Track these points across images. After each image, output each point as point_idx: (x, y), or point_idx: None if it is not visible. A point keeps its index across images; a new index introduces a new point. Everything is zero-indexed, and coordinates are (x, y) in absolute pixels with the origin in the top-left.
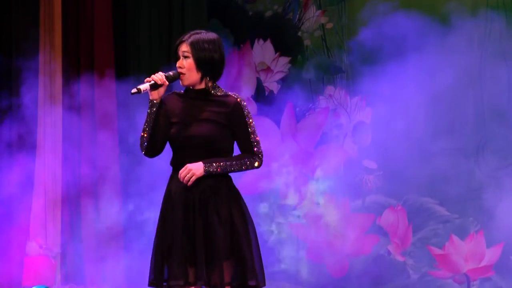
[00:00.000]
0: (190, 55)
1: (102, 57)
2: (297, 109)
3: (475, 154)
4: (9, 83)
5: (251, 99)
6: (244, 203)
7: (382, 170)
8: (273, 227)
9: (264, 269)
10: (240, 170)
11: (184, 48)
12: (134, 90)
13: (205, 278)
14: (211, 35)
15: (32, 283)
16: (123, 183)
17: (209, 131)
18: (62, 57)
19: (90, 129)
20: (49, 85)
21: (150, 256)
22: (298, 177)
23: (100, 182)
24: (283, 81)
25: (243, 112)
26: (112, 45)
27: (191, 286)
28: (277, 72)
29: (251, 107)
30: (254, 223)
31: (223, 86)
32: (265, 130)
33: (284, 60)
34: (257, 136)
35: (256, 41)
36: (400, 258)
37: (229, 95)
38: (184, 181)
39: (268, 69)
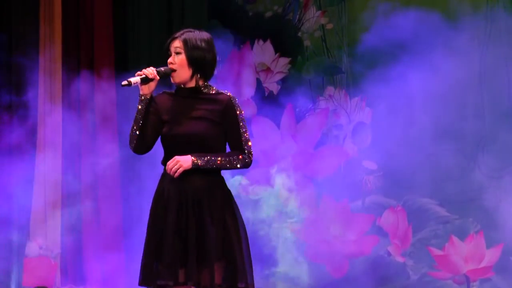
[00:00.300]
0: (182, 51)
1: (102, 57)
2: (297, 109)
3: (475, 155)
4: (9, 82)
5: (250, 99)
6: (236, 205)
7: (382, 170)
8: (273, 228)
9: (264, 270)
10: (229, 167)
11: (177, 44)
12: (124, 82)
13: (196, 279)
14: (204, 34)
15: (32, 284)
16: (123, 183)
17: (201, 129)
18: (62, 56)
19: (90, 129)
20: (49, 84)
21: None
22: (298, 178)
23: (100, 182)
24: (283, 81)
25: (235, 110)
26: (112, 46)
27: (181, 286)
28: (277, 72)
29: (251, 108)
30: (254, 224)
31: (223, 87)
32: (265, 131)
33: (284, 60)
34: (248, 135)
35: (256, 41)
36: (400, 259)
37: (221, 93)
38: (171, 173)
39: (268, 70)
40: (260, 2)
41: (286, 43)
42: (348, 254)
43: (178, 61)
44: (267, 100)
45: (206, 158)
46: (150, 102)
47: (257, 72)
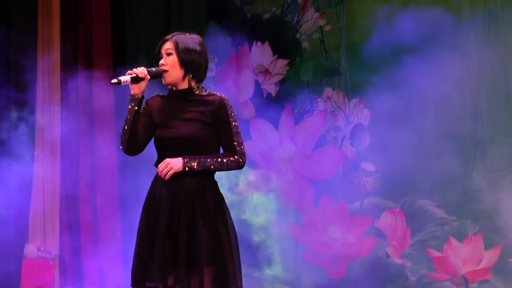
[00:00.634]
0: (173, 52)
1: (101, 59)
2: (295, 111)
3: (473, 156)
4: (7, 81)
5: (249, 101)
6: (227, 209)
7: (380, 172)
8: (272, 230)
9: (262, 271)
10: (221, 169)
11: (168, 46)
12: (114, 81)
13: (185, 283)
14: (195, 36)
15: (30, 285)
16: (121, 183)
17: (193, 131)
18: (60, 55)
19: (88, 129)
20: (47, 84)
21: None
22: (296, 179)
23: (99, 183)
24: (281, 83)
25: (227, 111)
26: (110, 47)
27: None
28: (275, 74)
29: (249, 110)
30: (252, 226)
31: (221, 88)
32: (263, 133)
33: (282, 62)
34: (240, 137)
35: (254, 43)
36: (398, 261)
37: (213, 94)
38: (162, 175)
39: (266, 72)
40: (258, 3)
41: (285, 44)
42: (347, 255)
43: (169, 62)
44: (266, 101)
45: (197, 160)
46: (140, 102)
47: (256, 74)
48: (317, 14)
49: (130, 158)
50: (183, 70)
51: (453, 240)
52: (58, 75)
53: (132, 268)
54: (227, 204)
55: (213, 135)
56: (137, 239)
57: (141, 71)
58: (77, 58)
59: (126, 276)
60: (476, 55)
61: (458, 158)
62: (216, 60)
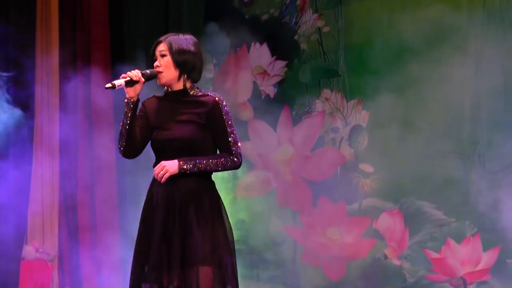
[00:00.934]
0: (167, 53)
1: (99, 60)
2: (294, 112)
3: (471, 157)
4: (5, 80)
5: (247, 103)
6: (225, 209)
7: (379, 173)
8: (270, 230)
9: (261, 273)
10: (217, 169)
11: (161, 47)
12: (108, 85)
13: (179, 283)
14: (189, 37)
15: (28, 287)
16: (120, 185)
17: (188, 132)
18: (59, 56)
19: (87, 130)
20: (46, 86)
21: None
22: (294, 181)
23: (97, 185)
24: (279, 84)
25: (221, 111)
26: (108, 50)
27: None
28: (274, 75)
29: (247, 111)
30: (251, 227)
31: (220, 90)
32: (261, 134)
33: (281, 63)
34: (235, 136)
35: (252, 44)
36: (396, 262)
37: (207, 95)
38: (158, 178)
39: (264, 73)
40: (257, 5)
41: (283, 46)
42: (345, 257)
43: (164, 63)
44: (264, 103)
45: (192, 162)
46: (136, 105)
47: (254, 75)
48: (315, 15)
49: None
50: (178, 71)
51: (451, 242)
52: (56, 76)
53: (131, 270)
54: (225, 205)
55: (208, 136)
56: (136, 242)
57: (135, 74)
58: (75, 59)
59: (124, 277)
60: (475, 56)
61: (456, 159)
62: (214, 62)
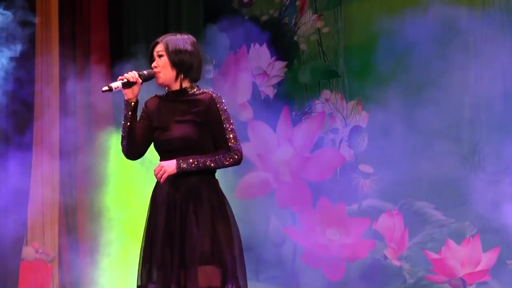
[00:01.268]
0: (164, 53)
1: (98, 64)
2: (293, 113)
3: (471, 158)
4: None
5: (247, 103)
6: (229, 207)
7: (378, 174)
8: (270, 231)
9: (261, 274)
10: (216, 167)
11: (159, 48)
12: (105, 88)
13: (180, 282)
14: (186, 36)
15: None
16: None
17: (187, 132)
18: (59, 56)
19: (86, 131)
20: (46, 87)
21: None
22: (294, 181)
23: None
24: (279, 85)
25: (218, 108)
26: (108, 52)
27: None
28: (273, 76)
29: (247, 112)
30: (250, 228)
31: (219, 91)
32: (261, 135)
33: (280, 64)
34: (233, 132)
35: (252, 45)
36: (396, 263)
37: (204, 92)
38: (157, 178)
39: (264, 74)
40: (256, 6)
41: (282, 47)
42: (345, 257)
43: (161, 63)
44: (264, 104)
45: (190, 161)
46: (135, 106)
47: (253, 76)
48: (315, 16)
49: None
50: (175, 71)
51: (451, 242)
52: (57, 76)
53: (137, 270)
54: None
55: (207, 134)
56: (141, 242)
57: (132, 75)
58: (75, 59)
59: (124, 278)
60: (474, 57)
61: (456, 160)
62: (214, 62)
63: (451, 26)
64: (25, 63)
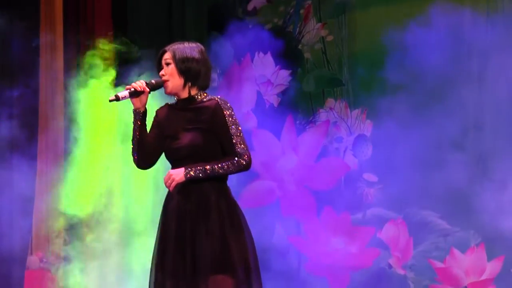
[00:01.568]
0: (171, 61)
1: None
2: (298, 122)
3: (476, 167)
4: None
5: (251, 112)
6: (241, 215)
7: (383, 183)
8: (274, 240)
9: (265, 283)
10: (225, 173)
11: (166, 56)
12: (112, 98)
13: None
14: (194, 44)
15: None
16: (124, 192)
17: (195, 140)
18: (64, 62)
19: (90, 138)
20: (50, 92)
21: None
22: (298, 190)
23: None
24: (283, 94)
25: (223, 113)
26: (112, 63)
27: None
28: (278, 85)
29: (251, 121)
30: (254, 236)
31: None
32: (265, 143)
33: (285, 73)
34: (241, 137)
35: (256, 54)
36: (401, 271)
37: (210, 99)
38: (166, 187)
39: (268, 82)
40: (261, 14)
41: (287, 55)
42: (349, 266)
43: (168, 71)
44: (268, 112)
45: (198, 168)
46: (144, 116)
47: (258, 85)
48: (319, 24)
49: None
50: (182, 79)
51: (455, 251)
52: (61, 81)
53: (149, 281)
54: None
55: (215, 141)
56: (153, 251)
57: (139, 84)
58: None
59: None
60: (479, 64)
61: (460, 169)
62: (218, 71)
63: (456, 33)
64: (30, 70)
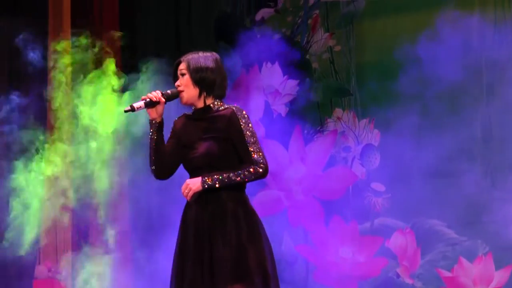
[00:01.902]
0: (186, 71)
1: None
2: (305, 131)
3: (483, 176)
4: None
5: (259, 122)
6: (259, 222)
7: (391, 192)
8: (282, 249)
9: None
10: (242, 181)
11: (181, 66)
12: (127, 108)
13: None
14: (208, 53)
15: None
16: (132, 202)
17: (209, 149)
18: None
19: (97, 147)
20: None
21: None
22: (306, 200)
23: (110, 204)
24: (291, 104)
25: (239, 122)
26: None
27: None
28: (285, 95)
29: (259, 130)
30: None
31: None
32: (273, 153)
33: (292, 82)
34: (257, 144)
35: (264, 64)
36: (408, 281)
37: (227, 108)
38: (184, 196)
39: (276, 92)
40: (268, 24)
41: (294, 65)
42: (357, 276)
43: (183, 81)
44: (276, 122)
45: (215, 177)
46: (160, 126)
47: (266, 94)
48: (326, 34)
49: (141, 174)
50: (197, 89)
51: (463, 260)
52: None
53: None
54: None
55: (231, 150)
56: (172, 262)
57: (155, 95)
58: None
59: None
60: (486, 74)
61: (469, 179)
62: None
63: (464, 43)
64: (38, 77)
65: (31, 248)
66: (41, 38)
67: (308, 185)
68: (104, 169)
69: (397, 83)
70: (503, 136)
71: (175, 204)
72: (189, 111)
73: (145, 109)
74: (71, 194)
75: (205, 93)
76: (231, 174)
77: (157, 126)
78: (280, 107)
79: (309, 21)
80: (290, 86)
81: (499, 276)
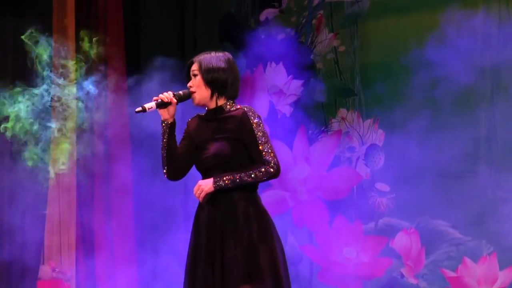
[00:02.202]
0: (198, 72)
1: (115, 80)
2: (310, 132)
3: (487, 175)
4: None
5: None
6: (271, 222)
7: (395, 192)
8: (286, 250)
9: None
10: (254, 181)
11: (193, 67)
12: (138, 109)
13: None
14: (220, 53)
15: None
16: (136, 203)
17: (223, 149)
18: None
19: (103, 147)
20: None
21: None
22: (311, 200)
23: (114, 205)
24: (295, 104)
25: (250, 122)
26: (124, 70)
27: None
28: (290, 95)
29: None
30: None
31: None
32: (277, 153)
33: (297, 83)
34: (268, 144)
35: (268, 64)
36: (413, 281)
37: (238, 108)
38: (196, 197)
39: (280, 92)
40: (273, 24)
41: (299, 65)
42: (362, 276)
43: (195, 82)
44: (280, 122)
45: (227, 177)
46: (172, 127)
47: (270, 95)
48: (331, 34)
49: (145, 175)
50: (209, 90)
51: (467, 260)
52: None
53: None
54: None
55: (243, 150)
56: (185, 263)
57: (167, 95)
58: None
59: None
60: (490, 76)
61: (472, 178)
62: None
63: (467, 44)
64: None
65: (35, 248)
66: (45, 36)
67: (313, 185)
68: (108, 168)
69: (402, 83)
70: (508, 136)
71: (182, 203)
72: (202, 112)
73: (156, 110)
74: (75, 192)
75: (217, 94)
76: (243, 175)
77: (169, 127)
78: (285, 107)
79: (314, 21)
80: (295, 86)
81: (504, 276)
